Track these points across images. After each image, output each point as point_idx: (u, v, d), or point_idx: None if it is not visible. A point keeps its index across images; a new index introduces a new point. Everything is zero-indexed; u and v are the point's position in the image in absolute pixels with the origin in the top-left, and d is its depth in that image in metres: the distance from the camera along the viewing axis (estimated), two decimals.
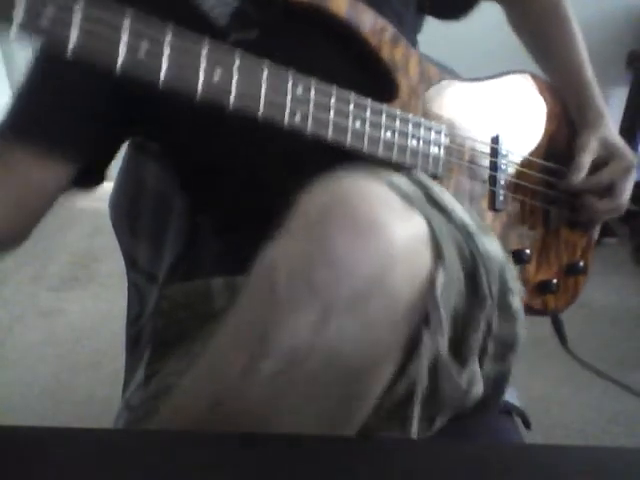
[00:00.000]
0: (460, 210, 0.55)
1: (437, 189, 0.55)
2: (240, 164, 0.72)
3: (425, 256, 0.47)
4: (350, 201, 0.45)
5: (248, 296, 0.48)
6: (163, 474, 0.40)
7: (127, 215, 0.90)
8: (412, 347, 0.49)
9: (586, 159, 0.81)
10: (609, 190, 0.81)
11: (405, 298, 0.46)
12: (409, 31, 0.78)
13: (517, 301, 0.55)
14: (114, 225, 0.91)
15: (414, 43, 0.81)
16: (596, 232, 0.89)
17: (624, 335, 1.72)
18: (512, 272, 0.55)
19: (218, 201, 0.78)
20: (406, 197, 0.48)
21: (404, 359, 0.49)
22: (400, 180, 0.51)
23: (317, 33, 0.68)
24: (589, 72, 0.86)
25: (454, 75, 0.77)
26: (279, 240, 0.47)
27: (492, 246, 0.54)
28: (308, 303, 0.44)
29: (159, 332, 0.73)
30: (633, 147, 2.07)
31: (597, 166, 0.82)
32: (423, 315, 0.48)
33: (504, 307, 0.54)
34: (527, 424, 0.74)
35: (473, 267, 0.51)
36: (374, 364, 0.47)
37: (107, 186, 0.98)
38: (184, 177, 0.81)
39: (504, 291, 0.54)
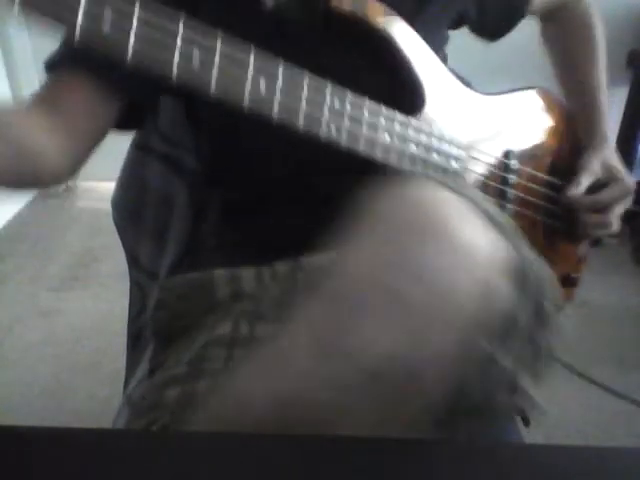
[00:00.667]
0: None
1: (486, 201, 0.54)
2: (262, 143, 0.72)
3: (498, 275, 0.46)
4: (437, 215, 0.45)
5: (324, 297, 0.46)
6: (163, 474, 0.40)
7: (130, 214, 0.90)
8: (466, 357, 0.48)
9: (586, 178, 0.84)
10: (604, 209, 0.84)
11: (473, 314, 0.45)
12: (439, 44, 0.80)
13: (552, 308, 0.53)
14: (117, 224, 0.91)
15: (443, 56, 0.82)
16: (586, 247, 0.92)
17: (624, 335, 1.72)
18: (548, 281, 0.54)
19: (234, 174, 0.78)
20: (485, 213, 0.48)
21: (459, 371, 0.48)
22: (469, 194, 0.51)
23: (352, 42, 0.69)
24: (604, 96, 0.90)
25: (472, 88, 0.79)
26: (356, 244, 0.47)
27: (535, 259, 0.54)
28: (388, 311, 0.43)
29: (162, 324, 0.74)
30: (633, 146, 2.07)
31: (596, 187, 0.85)
32: (481, 327, 0.47)
33: (539, 312, 0.52)
34: (527, 422, 0.74)
35: (523, 276, 0.50)
36: (431, 369, 0.46)
37: (108, 186, 0.98)
38: (205, 140, 0.81)
39: (540, 296, 0.52)
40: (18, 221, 2.31)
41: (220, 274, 0.71)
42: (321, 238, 0.72)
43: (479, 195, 0.52)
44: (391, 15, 0.68)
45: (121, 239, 0.92)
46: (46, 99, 0.67)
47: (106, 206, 0.92)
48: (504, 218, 0.52)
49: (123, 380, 0.90)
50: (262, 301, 0.66)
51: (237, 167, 0.77)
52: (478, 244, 0.45)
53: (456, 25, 0.83)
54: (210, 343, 0.64)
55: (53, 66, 0.68)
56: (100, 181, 2.40)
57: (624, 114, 2.10)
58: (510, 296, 0.47)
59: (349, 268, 0.46)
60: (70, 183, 2.53)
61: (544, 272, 0.52)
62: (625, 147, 2.07)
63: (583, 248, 0.92)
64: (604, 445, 0.46)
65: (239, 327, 0.64)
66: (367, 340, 0.43)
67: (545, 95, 0.87)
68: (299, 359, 0.45)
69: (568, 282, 0.90)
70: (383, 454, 0.42)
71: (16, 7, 0.47)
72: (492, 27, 0.88)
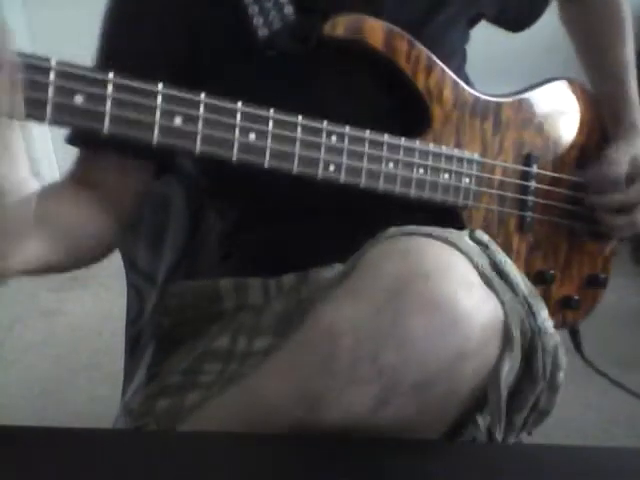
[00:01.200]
0: (519, 278, 0.51)
1: (500, 254, 0.51)
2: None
3: (495, 345, 0.45)
4: (431, 279, 0.43)
5: (304, 350, 0.45)
6: (163, 474, 0.40)
7: None
8: (458, 424, 0.47)
9: (618, 173, 0.78)
10: (630, 209, 0.79)
11: (468, 387, 0.45)
12: (459, 43, 0.78)
13: (562, 375, 0.51)
14: None
15: (463, 54, 0.80)
16: (613, 245, 0.88)
17: (624, 335, 1.72)
18: (562, 347, 0.51)
19: (233, 187, 0.76)
20: (484, 277, 0.46)
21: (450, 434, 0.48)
22: (472, 248, 0.48)
23: (351, 65, 0.67)
24: (633, 80, 0.84)
25: (488, 93, 0.75)
26: (345, 299, 0.45)
27: (547, 319, 0.50)
28: (370, 381, 0.42)
29: (164, 331, 0.73)
30: None
31: (620, 186, 0.79)
32: (476, 397, 0.46)
33: (553, 384, 0.51)
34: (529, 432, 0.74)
35: (531, 345, 0.48)
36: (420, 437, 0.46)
37: None
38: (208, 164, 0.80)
39: (555, 369, 0.50)
40: None
41: (226, 283, 0.71)
42: (327, 250, 0.71)
43: (495, 251, 0.50)
44: (392, 31, 0.65)
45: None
46: (80, 178, 0.66)
47: None
48: (518, 277, 0.49)
49: (123, 380, 0.90)
50: (263, 316, 0.66)
51: (237, 180, 0.77)
52: (472, 316, 0.43)
53: (474, 23, 0.80)
54: (206, 355, 0.63)
55: (76, 142, 0.66)
56: None
57: None
58: (498, 369, 0.45)
59: (331, 321, 0.44)
60: None
61: (554, 340, 0.49)
62: None
63: (609, 246, 0.87)
64: (604, 445, 0.46)
65: (237, 341, 0.64)
66: (332, 397, 0.43)
67: (570, 85, 0.83)
68: (275, 414, 0.45)
69: (596, 283, 0.86)
70: (383, 454, 0.42)
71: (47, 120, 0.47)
72: (515, 20, 0.84)
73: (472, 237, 0.52)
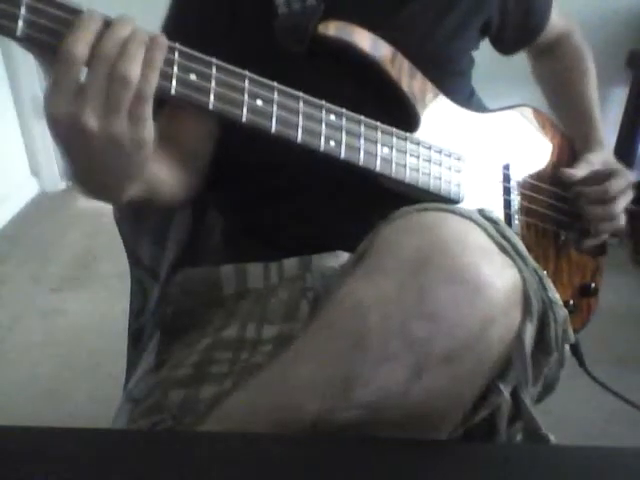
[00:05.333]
0: (527, 252, 0.52)
1: (508, 230, 0.52)
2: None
3: (517, 310, 0.45)
4: (452, 250, 0.43)
5: (331, 333, 0.45)
6: (163, 474, 0.40)
7: (130, 211, 0.90)
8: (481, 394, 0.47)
9: (586, 166, 0.86)
10: (610, 200, 0.84)
11: (495, 354, 0.45)
12: (466, 49, 0.81)
13: (568, 348, 0.53)
14: (117, 223, 0.91)
15: (469, 61, 0.83)
16: (604, 257, 0.94)
17: (624, 335, 1.72)
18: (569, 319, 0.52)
19: (234, 174, 0.78)
20: (500, 246, 0.46)
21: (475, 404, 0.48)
22: (485, 223, 0.49)
23: (341, 66, 0.70)
24: (598, 111, 0.93)
25: (466, 105, 0.80)
26: (368, 277, 0.45)
27: (555, 291, 0.52)
28: (401, 356, 0.42)
29: (168, 319, 0.74)
30: (633, 146, 2.07)
31: (599, 180, 0.85)
32: (499, 365, 0.46)
33: (561, 356, 0.52)
34: None
35: (544, 316, 0.48)
36: (448, 412, 0.46)
37: None
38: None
39: (564, 340, 0.51)
40: (18, 221, 2.31)
41: (227, 269, 0.72)
42: (328, 235, 0.72)
43: (504, 227, 0.51)
44: (378, 39, 0.69)
45: (122, 237, 0.92)
46: (161, 134, 0.69)
47: (106, 206, 0.92)
48: (526, 252, 0.50)
49: (123, 380, 0.90)
50: (269, 304, 0.66)
51: (238, 168, 0.77)
52: (495, 282, 0.43)
53: (483, 34, 0.84)
54: (216, 345, 0.64)
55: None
56: None
57: (624, 114, 2.10)
58: (522, 334, 0.45)
59: (356, 300, 0.44)
60: (70, 183, 2.54)
61: (564, 311, 0.50)
62: (625, 147, 2.07)
63: (597, 258, 0.93)
64: (604, 445, 0.46)
65: (246, 330, 0.64)
66: (366, 376, 0.43)
67: (535, 112, 0.90)
68: (306, 403, 0.45)
69: (588, 292, 0.90)
70: (383, 454, 0.42)
71: None
72: (508, 42, 0.90)
73: (481, 214, 0.53)
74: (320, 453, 0.42)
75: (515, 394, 0.48)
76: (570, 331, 0.51)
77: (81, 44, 0.48)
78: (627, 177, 0.86)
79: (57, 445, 0.41)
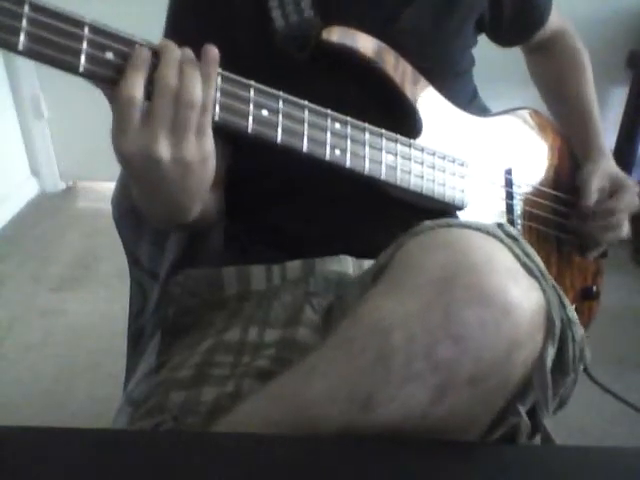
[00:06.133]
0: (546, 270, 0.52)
1: (529, 247, 0.51)
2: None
3: (541, 332, 0.45)
4: (479, 270, 0.43)
5: (352, 349, 0.44)
6: (163, 474, 0.40)
7: (130, 212, 0.90)
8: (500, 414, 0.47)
9: (594, 186, 0.85)
10: (614, 216, 0.85)
11: (518, 377, 0.44)
12: (465, 46, 0.81)
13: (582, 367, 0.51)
14: (117, 223, 0.91)
15: (470, 59, 0.83)
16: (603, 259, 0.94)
17: (624, 335, 1.72)
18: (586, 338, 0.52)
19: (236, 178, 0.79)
20: (525, 266, 0.46)
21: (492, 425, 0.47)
22: (509, 242, 0.48)
23: (346, 75, 0.70)
24: (597, 113, 0.92)
25: (468, 109, 0.80)
26: (390, 294, 0.45)
27: (573, 310, 0.51)
28: (425, 377, 0.41)
29: (169, 320, 0.74)
30: (633, 146, 2.07)
31: (603, 196, 0.86)
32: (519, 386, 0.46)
33: (576, 375, 0.51)
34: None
35: (563, 335, 0.48)
36: (465, 431, 0.46)
37: (108, 186, 0.98)
38: None
39: (581, 361, 0.50)
40: (18, 221, 2.31)
41: (228, 270, 0.72)
42: (330, 238, 0.72)
43: (524, 244, 0.50)
44: (381, 45, 0.69)
45: (121, 237, 0.92)
46: None
47: (106, 206, 0.92)
48: (545, 270, 0.49)
49: (123, 380, 0.90)
50: (272, 307, 0.66)
51: (239, 170, 0.77)
52: (522, 305, 0.43)
53: (479, 30, 0.83)
54: (218, 348, 0.64)
55: None
56: (100, 181, 2.40)
57: (624, 114, 2.10)
58: (544, 356, 0.45)
59: (380, 317, 0.44)
60: (70, 183, 2.54)
61: (581, 330, 0.50)
62: (625, 147, 2.07)
63: (598, 261, 0.93)
64: (604, 445, 0.46)
65: (248, 333, 0.64)
66: (388, 395, 0.42)
67: (534, 115, 0.89)
68: (325, 414, 0.44)
69: (590, 295, 0.90)
70: (384, 455, 0.42)
71: None
72: (505, 36, 0.89)
73: (502, 229, 0.52)
74: (322, 454, 0.42)
75: (532, 412, 0.47)
76: (587, 351, 0.50)
77: (139, 85, 0.50)
78: (631, 190, 0.86)
79: (57, 445, 0.41)
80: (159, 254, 0.91)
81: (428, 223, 0.49)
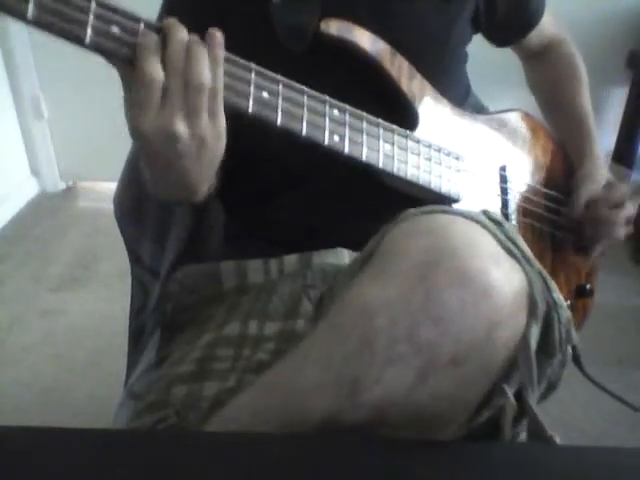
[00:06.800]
0: (532, 254, 0.52)
1: (513, 232, 0.52)
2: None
3: (523, 314, 0.45)
4: (460, 254, 0.43)
5: (339, 335, 0.45)
6: (164, 473, 0.40)
7: (131, 211, 0.90)
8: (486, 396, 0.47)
9: (582, 198, 0.86)
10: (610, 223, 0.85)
11: (501, 357, 0.45)
12: (458, 42, 0.81)
13: (570, 350, 0.52)
14: (119, 221, 0.92)
15: (464, 55, 0.84)
16: (598, 258, 0.94)
17: (624, 335, 1.72)
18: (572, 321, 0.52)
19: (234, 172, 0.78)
20: (507, 249, 0.46)
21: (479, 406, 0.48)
22: (492, 226, 0.49)
23: (342, 64, 0.70)
24: (592, 122, 0.93)
25: (463, 105, 0.81)
26: (374, 280, 0.46)
27: (559, 293, 0.51)
28: (408, 359, 0.42)
29: (168, 316, 0.74)
30: (633, 146, 2.07)
31: (595, 200, 0.86)
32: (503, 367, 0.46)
33: (563, 357, 0.51)
34: None
35: (548, 317, 0.48)
36: (453, 413, 0.46)
37: (108, 186, 0.98)
38: None
39: (567, 342, 0.51)
40: (18, 221, 2.31)
41: (226, 265, 0.72)
42: (328, 231, 0.73)
43: (509, 228, 0.51)
44: (377, 39, 0.70)
45: (123, 236, 0.92)
46: None
47: (106, 206, 0.92)
48: (531, 254, 0.50)
49: (123, 380, 0.90)
50: (271, 300, 0.67)
51: (236, 163, 0.77)
52: (502, 287, 0.43)
53: (475, 27, 0.84)
54: (218, 342, 0.64)
55: None
56: (100, 181, 2.40)
57: (624, 114, 2.10)
58: (527, 337, 0.45)
59: (364, 303, 0.45)
60: (70, 183, 2.54)
61: (567, 313, 0.50)
62: (625, 147, 2.07)
63: (592, 259, 0.93)
64: (604, 445, 0.46)
65: (247, 326, 0.65)
66: (373, 378, 0.43)
67: (526, 117, 0.90)
68: (312, 402, 0.45)
69: (583, 293, 0.91)
70: (383, 454, 0.42)
71: None
72: (499, 35, 0.90)
73: (486, 215, 0.53)
74: (321, 453, 0.42)
75: (519, 395, 0.48)
76: (573, 332, 0.51)
77: (157, 66, 0.51)
78: (620, 191, 0.86)
79: (57, 445, 0.41)
80: (160, 252, 0.91)
81: (412, 210, 0.50)
